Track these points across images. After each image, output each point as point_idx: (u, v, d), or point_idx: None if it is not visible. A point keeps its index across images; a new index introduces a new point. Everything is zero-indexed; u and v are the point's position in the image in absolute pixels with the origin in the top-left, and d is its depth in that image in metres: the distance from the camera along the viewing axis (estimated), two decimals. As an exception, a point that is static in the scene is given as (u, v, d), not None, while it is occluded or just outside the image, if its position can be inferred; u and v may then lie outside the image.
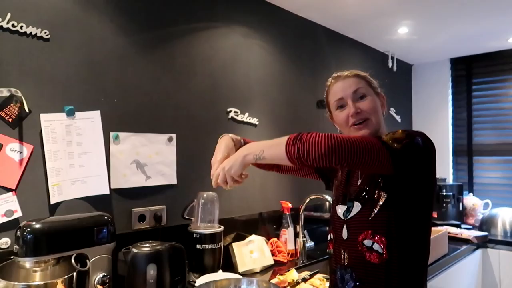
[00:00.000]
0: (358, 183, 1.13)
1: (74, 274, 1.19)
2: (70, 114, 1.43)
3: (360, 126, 1.10)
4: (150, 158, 1.67)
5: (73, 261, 1.18)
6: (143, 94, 1.67)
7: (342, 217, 1.12)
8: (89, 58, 1.51)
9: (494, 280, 2.69)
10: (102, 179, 1.48)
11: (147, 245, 1.37)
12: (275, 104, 2.29)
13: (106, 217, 1.33)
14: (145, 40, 1.68)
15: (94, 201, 1.47)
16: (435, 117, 3.61)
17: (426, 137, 1.03)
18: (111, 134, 1.55)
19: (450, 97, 3.54)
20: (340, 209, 1.14)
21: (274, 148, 0.97)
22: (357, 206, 1.09)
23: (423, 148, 1.00)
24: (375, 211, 1.03)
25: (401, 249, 1.02)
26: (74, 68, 1.47)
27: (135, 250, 1.33)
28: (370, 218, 1.04)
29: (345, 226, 1.11)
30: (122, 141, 1.58)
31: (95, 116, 1.49)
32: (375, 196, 1.05)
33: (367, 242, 1.04)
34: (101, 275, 1.25)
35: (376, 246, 1.02)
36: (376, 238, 1.03)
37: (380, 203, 1.03)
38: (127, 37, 1.62)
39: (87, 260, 1.23)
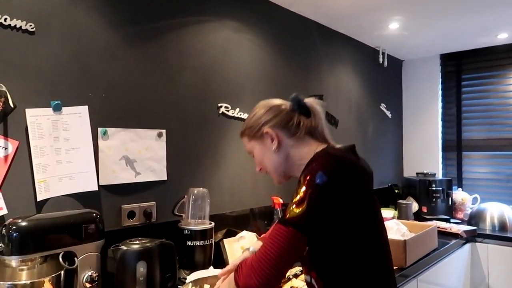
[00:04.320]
0: None
1: (62, 272, 1.17)
2: (57, 109, 1.40)
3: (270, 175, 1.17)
4: (139, 154, 1.64)
5: (60, 259, 1.15)
6: (132, 89, 1.64)
7: None
8: (76, 52, 1.47)
9: (482, 274, 2.73)
10: (91, 175, 1.45)
11: (137, 242, 1.34)
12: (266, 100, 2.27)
13: (94, 214, 1.30)
14: (134, 34, 1.65)
15: (82, 198, 1.45)
16: (425, 112, 3.63)
17: (329, 163, 0.95)
18: (99, 129, 1.52)
19: (439, 92, 3.57)
20: None
21: None
22: None
23: (328, 184, 0.92)
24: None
25: (332, 280, 0.98)
26: (61, 62, 1.43)
27: (124, 248, 1.31)
28: (304, 254, 0.99)
29: None
30: (110, 137, 1.55)
31: (83, 111, 1.46)
32: None
33: (307, 278, 1.04)
34: (89, 273, 1.23)
35: (313, 281, 1.01)
36: (312, 273, 1.01)
37: None
38: (116, 31, 1.59)
39: (75, 258, 1.21)
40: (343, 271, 0.98)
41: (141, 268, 1.29)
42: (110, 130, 1.55)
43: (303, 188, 0.93)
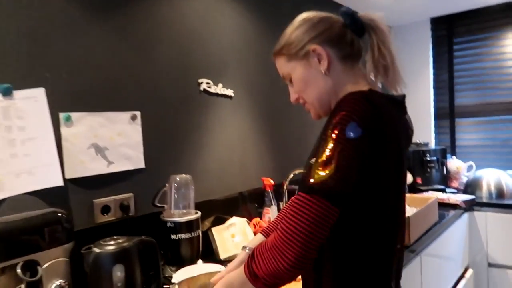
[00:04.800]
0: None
1: (23, 286, 1.00)
2: (7, 93, 1.19)
3: (307, 108, 0.97)
4: (111, 141, 1.45)
5: (19, 270, 0.98)
6: (98, 66, 1.43)
7: None
8: (27, 26, 1.25)
9: (480, 242, 2.67)
10: (54, 168, 1.26)
11: (112, 242, 1.17)
12: (252, 73, 2.09)
13: (59, 214, 1.12)
14: (99, 3, 1.43)
15: (46, 195, 1.25)
16: (415, 80, 3.48)
17: (366, 111, 0.76)
18: (61, 115, 1.32)
19: (430, 58, 3.41)
20: None
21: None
22: None
23: (362, 139, 0.74)
24: None
25: (333, 247, 0.84)
26: (9, 39, 1.21)
27: (97, 250, 1.13)
28: None
29: None
30: (75, 123, 1.35)
31: (39, 94, 1.25)
32: None
33: None
34: (57, 283, 1.06)
35: None
36: None
37: None
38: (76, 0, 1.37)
39: (38, 267, 1.03)
40: (349, 241, 0.83)
41: (118, 272, 1.13)
42: (74, 115, 1.35)
43: (330, 145, 0.74)
